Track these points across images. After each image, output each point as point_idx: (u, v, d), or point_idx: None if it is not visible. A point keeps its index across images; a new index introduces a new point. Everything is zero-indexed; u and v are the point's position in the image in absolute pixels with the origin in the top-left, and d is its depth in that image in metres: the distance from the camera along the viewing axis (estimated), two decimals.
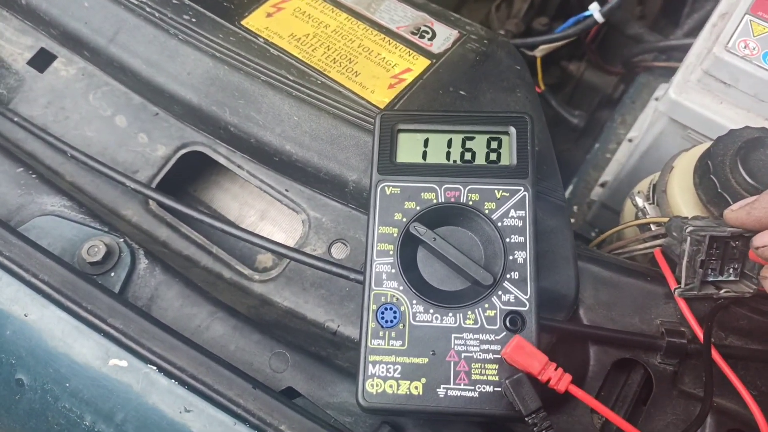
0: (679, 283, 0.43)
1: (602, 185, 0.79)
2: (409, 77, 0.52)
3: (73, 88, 0.58)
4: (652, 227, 0.50)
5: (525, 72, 0.55)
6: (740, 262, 0.42)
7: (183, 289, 0.46)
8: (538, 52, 0.82)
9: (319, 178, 0.50)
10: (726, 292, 0.42)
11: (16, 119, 0.54)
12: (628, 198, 0.56)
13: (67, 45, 0.58)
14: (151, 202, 0.53)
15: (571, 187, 0.83)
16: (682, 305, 0.42)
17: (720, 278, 0.42)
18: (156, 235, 0.52)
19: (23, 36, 0.60)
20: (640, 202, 0.52)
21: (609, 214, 0.76)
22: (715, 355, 0.40)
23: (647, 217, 0.51)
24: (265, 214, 0.59)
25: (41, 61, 0.59)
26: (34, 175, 0.50)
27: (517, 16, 1.04)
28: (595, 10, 0.73)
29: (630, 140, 0.80)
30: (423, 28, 0.56)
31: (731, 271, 0.42)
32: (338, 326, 0.49)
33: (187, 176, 0.59)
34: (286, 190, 0.53)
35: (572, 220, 0.80)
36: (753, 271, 0.42)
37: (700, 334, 0.41)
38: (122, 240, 0.46)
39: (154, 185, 0.54)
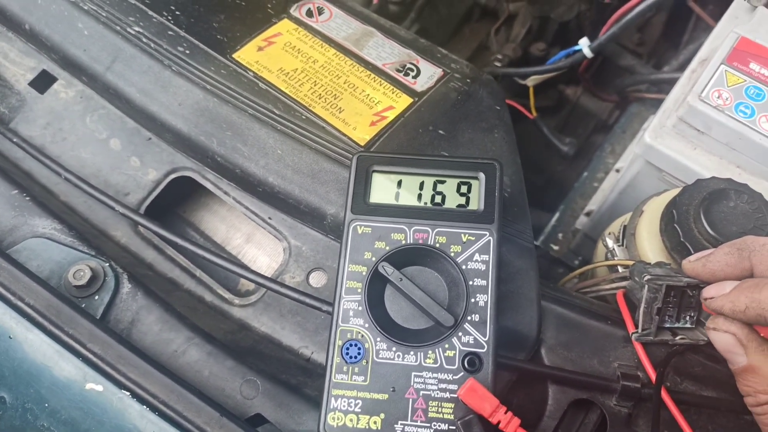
0: (636, 327, 0.44)
1: (587, 214, 0.80)
2: (391, 115, 0.54)
3: (72, 110, 0.60)
4: (620, 269, 0.51)
5: (504, 112, 0.56)
6: (696, 311, 0.44)
7: (163, 314, 0.48)
8: (530, 82, 0.84)
9: (300, 210, 0.52)
10: (681, 338, 0.44)
11: (15, 140, 0.57)
12: (599, 238, 0.57)
13: (68, 68, 0.60)
14: (139, 226, 0.56)
15: (557, 214, 0.84)
16: (639, 349, 0.44)
17: (676, 325, 0.44)
18: (142, 257, 0.55)
19: (26, 57, 0.62)
20: (609, 243, 0.54)
21: (592, 244, 0.77)
22: (667, 399, 0.42)
23: (615, 258, 0.53)
24: (251, 237, 0.61)
25: (42, 82, 0.61)
26: (27, 198, 0.52)
27: (515, 40, 1.06)
28: (584, 45, 0.75)
29: (617, 170, 0.81)
30: (408, 65, 0.58)
31: (687, 318, 0.44)
32: (312, 353, 0.51)
33: (177, 198, 0.61)
34: (269, 218, 0.55)
35: (557, 247, 0.82)
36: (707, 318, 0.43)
37: (653, 376, 0.42)
38: (108, 264, 0.49)
39: (143, 208, 0.56)
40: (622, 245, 0.53)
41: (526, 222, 0.50)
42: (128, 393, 0.40)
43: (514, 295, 0.47)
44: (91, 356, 0.41)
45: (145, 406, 0.40)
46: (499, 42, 1.09)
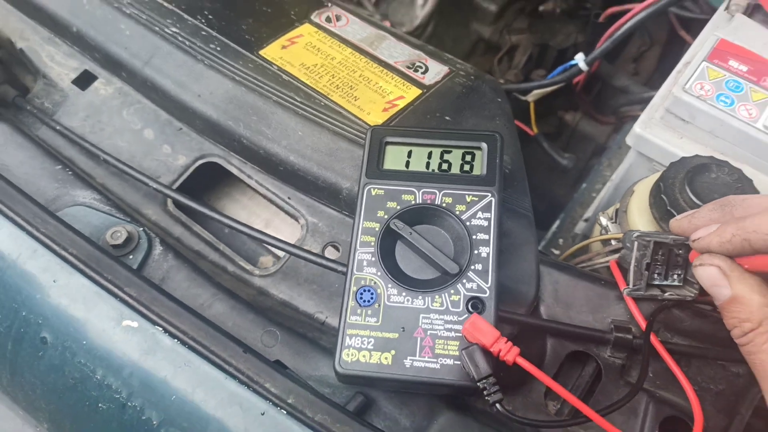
0: (628, 284, 0.48)
1: (586, 220, 0.84)
2: (402, 103, 0.59)
3: (110, 105, 0.66)
4: (613, 242, 0.55)
5: (505, 104, 0.62)
6: (683, 269, 0.47)
7: (190, 273, 0.52)
8: (531, 97, 0.90)
9: (318, 186, 0.57)
10: (670, 294, 0.47)
11: (58, 127, 0.62)
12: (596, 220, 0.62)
13: (108, 67, 0.67)
14: (168, 203, 0.60)
15: (558, 222, 0.88)
16: (630, 303, 0.47)
17: (665, 282, 0.48)
18: (171, 231, 0.59)
19: (70, 59, 0.69)
20: (603, 221, 0.58)
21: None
22: (657, 345, 0.45)
23: (609, 233, 0.57)
24: (269, 222, 0.66)
25: (84, 80, 0.67)
26: (70, 173, 0.57)
27: (516, 67, 1.13)
28: (580, 59, 0.81)
29: (613, 180, 0.86)
30: (417, 63, 0.63)
31: (675, 276, 0.48)
32: (326, 317, 0.54)
33: (203, 185, 0.66)
34: (289, 198, 0.60)
35: (557, 252, 0.85)
36: (694, 278, 0.47)
37: (644, 326, 0.46)
38: (141, 229, 0.53)
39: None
40: (615, 222, 0.57)
41: (525, 195, 0.54)
42: (161, 329, 0.44)
43: (514, 257, 0.50)
44: (127, 298, 0.45)
45: (176, 340, 0.43)
46: (501, 70, 1.16)
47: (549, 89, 0.86)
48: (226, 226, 0.55)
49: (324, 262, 0.51)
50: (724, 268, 0.39)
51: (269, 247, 0.63)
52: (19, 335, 0.47)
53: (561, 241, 0.87)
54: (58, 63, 0.69)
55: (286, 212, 0.60)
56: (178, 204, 0.60)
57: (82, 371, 0.45)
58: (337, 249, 0.57)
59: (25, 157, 0.58)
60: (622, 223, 0.57)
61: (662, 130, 0.61)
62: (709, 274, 0.40)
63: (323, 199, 0.58)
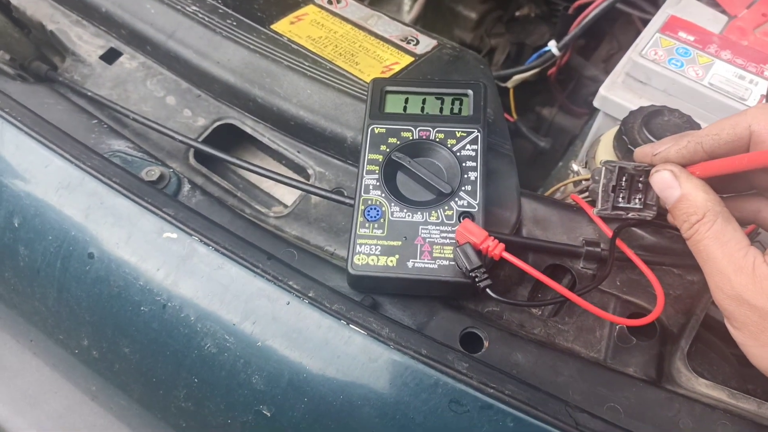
0: (596, 207, 0.56)
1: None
2: (397, 68, 0.68)
3: (134, 76, 0.73)
4: (583, 182, 0.64)
5: (487, 71, 0.70)
6: (644, 194, 0.55)
7: (216, 206, 0.59)
8: (510, 83, 0.99)
9: (325, 137, 0.64)
10: (632, 215, 0.55)
11: (89, 93, 0.70)
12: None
13: (132, 44, 0.74)
14: (190, 157, 0.67)
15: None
16: (598, 221, 0.55)
17: (628, 205, 0.56)
18: (194, 181, 0.66)
19: (97, 38, 0.76)
20: (575, 167, 0.66)
21: None
22: (623, 246, 0.52)
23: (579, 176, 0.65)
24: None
25: (110, 56, 0.75)
26: (105, 126, 0.64)
27: (496, 65, 1.23)
28: (552, 45, 0.91)
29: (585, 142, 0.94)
30: (409, 37, 0.72)
31: (636, 200, 0.55)
32: (335, 249, 0.61)
33: (220, 146, 0.72)
34: (298, 152, 0.67)
35: None
36: (653, 200, 0.55)
37: (606, 231, 0.53)
38: (171, 170, 0.60)
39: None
40: (586, 168, 0.66)
41: (507, 139, 0.62)
42: (197, 239, 0.51)
43: (498, 188, 0.58)
44: (165, 216, 0.52)
45: (210, 248, 0.50)
46: None
47: (526, 74, 0.95)
48: (245, 169, 0.62)
49: (334, 196, 0.59)
50: (675, 171, 0.46)
51: (279, 199, 0.71)
52: (68, 253, 0.53)
53: None
54: (86, 42, 0.77)
55: (296, 164, 0.67)
56: (199, 157, 0.67)
57: (126, 279, 0.51)
58: (343, 194, 0.65)
59: (64, 114, 0.65)
60: (590, 166, 0.65)
61: (624, 91, 0.70)
62: (663, 177, 0.47)
63: (329, 150, 0.66)
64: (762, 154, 0.42)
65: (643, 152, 0.53)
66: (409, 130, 0.56)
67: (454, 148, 0.55)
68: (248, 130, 0.69)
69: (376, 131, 0.57)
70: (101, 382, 0.64)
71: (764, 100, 0.64)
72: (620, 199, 0.55)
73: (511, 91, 1.00)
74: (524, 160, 1.20)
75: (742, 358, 0.56)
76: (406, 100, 0.59)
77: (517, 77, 0.96)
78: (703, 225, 0.44)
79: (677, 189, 0.46)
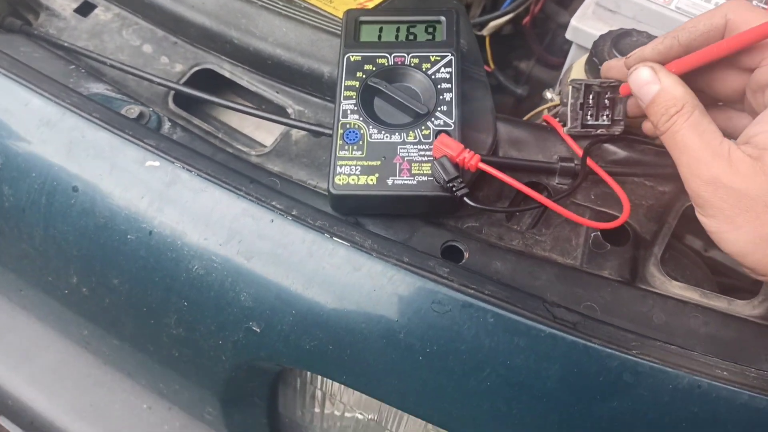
0: (566, 125, 0.57)
1: None
2: (371, 5, 0.68)
3: (110, 27, 0.74)
4: (557, 108, 0.65)
5: (461, 7, 0.71)
6: (611, 110, 0.57)
7: (198, 142, 0.60)
8: (486, 31, 1.00)
9: (302, 74, 0.65)
10: (601, 131, 0.57)
11: (66, 44, 0.70)
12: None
13: None
14: (169, 101, 0.68)
15: None
16: (568, 139, 0.57)
17: (596, 123, 0.57)
18: (174, 120, 0.67)
19: None
20: (548, 95, 0.68)
21: None
22: (594, 165, 0.54)
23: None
24: (259, 125, 0.74)
25: (85, 9, 0.75)
26: (83, 71, 0.65)
27: (473, 18, 1.24)
28: None
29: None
30: None
31: (604, 117, 0.57)
32: (317, 182, 0.63)
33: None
34: (277, 92, 0.68)
35: None
36: (620, 115, 0.56)
37: (580, 152, 0.55)
38: (151, 109, 0.61)
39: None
40: (558, 93, 0.67)
41: (480, 67, 0.63)
42: (180, 165, 0.52)
43: (474, 112, 0.59)
44: (147, 146, 0.53)
45: (193, 173, 0.51)
46: None
47: (502, 20, 0.96)
48: (225, 107, 0.63)
49: (314, 127, 0.60)
50: (655, 67, 0.47)
51: (261, 142, 0.72)
52: (52, 188, 0.54)
53: None
54: None
55: (276, 105, 0.68)
56: (178, 102, 0.68)
57: (111, 209, 0.52)
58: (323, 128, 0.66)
59: (41, 61, 0.65)
60: (563, 93, 0.66)
61: (594, 21, 0.71)
62: (641, 74, 0.47)
63: (307, 87, 0.66)
64: (736, 37, 0.44)
65: (609, 66, 0.55)
66: (384, 57, 0.57)
67: (429, 72, 0.56)
68: (226, 74, 0.70)
69: (352, 59, 0.58)
70: (92, 327, 0.65)
71: None
72: (588, 117, 0.57)
73: (487, 39, 1.01)
74: (504, 111, 1.21)
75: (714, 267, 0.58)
76: (381, 29, 0.60)
77: (492, 24, 0.97)
78: (681, 116, 0.44)
79: (656, 84, 0.46)
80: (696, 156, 0.43)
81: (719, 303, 0.52)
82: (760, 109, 0.44)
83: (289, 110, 0.67)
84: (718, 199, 0.42)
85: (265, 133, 0.74)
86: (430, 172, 0.52)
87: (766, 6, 0.67)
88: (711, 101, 0.51)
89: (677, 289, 0.52)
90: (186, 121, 0.67)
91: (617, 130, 0.57)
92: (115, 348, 0.65)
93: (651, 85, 0.47)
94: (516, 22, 1.06)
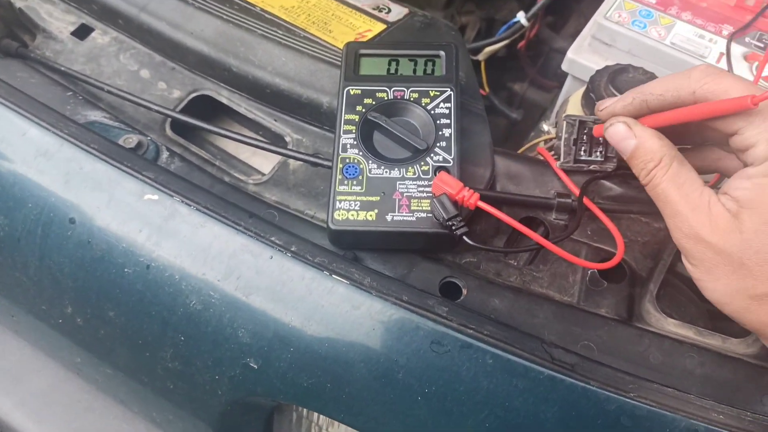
0: (559, 159, 0.58)
1: None
2: (370, 35, 0.69)
3: (107, 51, 0.73)
4: (553, 141, 0.66)
5: (459, 36, 0.72)
6: (604, 147, 0.58)
7: (196, 172, 0.60)
8: (482, 56, 1.01)
9: (301, 103, 0.65)
10: (594, 167, 0.57)
11: (62, 68, 0.69)
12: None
13: (104, 19, 0.74)
14: (167, 128, 0.68)
15: None
16: (561, 174, 0.57)
17: (590, 158, 0.58)
18: (172, 149, 0.66)
19: (68, 15, 0.76)
20: (545, 127, 0.68)
21: None
22: (589, 204, 0.55)
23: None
24: (256, 151, 0.74)
25: (82, 32, 0.75)
26: (80, 98, 0.64)
27: (467, 41, 1.25)
28: (521, 16, 0.93)
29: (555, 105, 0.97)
30: (381, 5, 0.73)
31: (598, 153, 0.58)
32: (315, 213, 0.63)
33: (196, 118, 0.73)
34: (275, 120, 0.68)
35: None
36: (613, 152, 0.57)
37: (575, 189, 0.56)
38: (149, 138, 0.61)
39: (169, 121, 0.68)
40: (555, 128, 0.68)
41: (478, 98, 0.64)
42: (179, 199, 0.51)
43: (472, 146, 0.60)
44: (146, 179, 0.52)
45: (192, 207, 0.51)
46: None
47: (497, 46, 0.97)
48: (223, 136, 0.63)
49: (312, 158, 0.60)
50: (629, 122, 0.48)
51: (258, 168, 0.72)
52: (49, 219, 0.54)
53: None
54: (57, 18, 0.76)
55: (274, 133, 0.68)
56: (176, 128, 0.68)
57: (108, 242, 0.52)
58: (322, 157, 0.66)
59: (38, 87, 0.65)
60: (559, 126, 0.67)
61: (590, 54, 0.72)
62: (618, 130, 0.48)
63: (306, 117, 0.67)
64: (704, 105, 0.44)
65: (603, 104, 0.55)
66: (384, 91, 0.58)
67: (429, 107, 0.57)
68: (224, 101, 0.70)
69: (352, 92, 0.58)
70: (86, 355, 0.64)
71: (723, 58, 0.67)
72: (582, 152, 0.58)
73: (483, 64, 1.02)
74: (498, 134, 1.22)
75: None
76: (380, 62, 0.60)
77: (487, 50, 0.98)
78: (660, 170, 0.46)
79: (633, 139, 0.48)
80: (676, 209, 0.44)
81: (714, 341, 0.52)
82: (745, 163, 0.44)
83: (287, 139, 0.67)
84: (698, 252, 0.43)
85: (262, 158, 0.74)
86: (429, 208, 0.52)
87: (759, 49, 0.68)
88: (698, 140, 0.51)
89: (673, 326, 0.53)
90: (183, 148, 0.67)
91: (610, 166, 0.57)
92: (109, 376, 0.64)
93: (628, 140, 0.48)
94: (511, 45, 1.07)
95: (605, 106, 0.52)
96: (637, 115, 0.50)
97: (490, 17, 1.23)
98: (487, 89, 1.09)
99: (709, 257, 0.43)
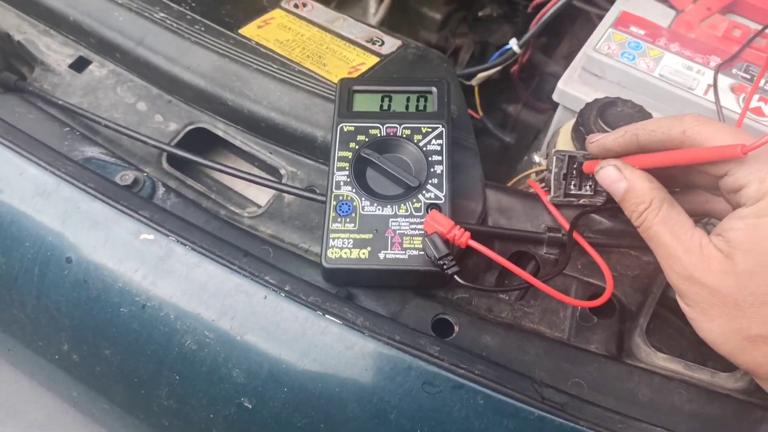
0: (549, 193, 0.59)
1: None
2: (364, 68, 0.70)
3: (104, 84, 0.74)
4: (544, 173, 0.66)
5: (451, 68, 0.73)
6: (594, 181, 0.59)
7: (192, 208, 0.60)
8: (475, 81, 1.02)
9: (296, 137, 0.66)
10: (583, 201, 0.58)
11: (60, 102, 0.70)
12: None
13: (101, 52, 0.75)
14: (163, 161, 0.69)
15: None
16: (552, 208, 0.58)
17: (579, 192, 0.58)
18: (168, 184, 0.67)
19: (66, 47, 0.77)
20: (536, 158, 0.69)
21: None
22: (579, 239, 0.55)
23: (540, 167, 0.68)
24: (251, 183, 0.75)
25: (79, 65, 0.76)
26: (77, 133, 0.65)
27: (461, 64, 1.26)
28: (513, 43, 0.94)
29: (546, 134, 0.98)
30: (374, 38, 0.74)
31: (588, 187, 0.58)
32: (309, 246, 0.63)
33: (192, 151, 0.74)
34: (270, 153, 0.69)
35: None
36: (602, 187, 0.58)
37: (565, 224, 0.56)
38: (145, 174, 0.62)
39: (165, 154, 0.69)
40: (546, 159, 0.69)
41: (470, 133, 0.65)
42: (174, 239, 0.52)
43: (464, 180, 0.61)
44: (142, 218, 0.53)
45: (187, 247, 0.52)
46: None
47: (490, 72, 0.98)
48: (218, 171, 0.63)
49: (306, 193, 0.61)
50: (619, 165, 0.49)
51: (253, 200, 0.72)
52: (46, 258, 0.54)
53: None
54: (55, 51, 0.77)
55: (268, 165, 0.69)
56: (172, 161, 0.68)
57: (104, 282, 0.53)
58: (316, 191, 0.67)
59: (35, 122, 0.66)
60: (549, 158, 0.68)
61: (580, 85, 0.73)
62: (608, 173, 0.50)
63: (301, 150, 0.68)
64: (694, 151, 0.45)
65: (592, 140, 0.56)
66: (377, 128, 0.59)
67: (421, 144, 0.58)
68: (220, 134, 0.71)
69: (345, 129, 0.59)
70: (82, 388, 0.65)
71: (710, 89, 0.68)
72: (572, 187, 0.58)
73: (476, 89, 1.03)
74: (491, 156, 1.23)
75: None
76: (373, 99, 0.61)
77: (481, 75, 0.99)
78: (650, 212, 0.47)
79: (623, 182, 0.49)
80: (669, 251, 0.45)
81: (703, 375, 0.53)
82: (735, 205, 0.45)
83: (282, 171, 0.68)
84: (693, 293, 0.44)
85: (258, 190, 0.74)
86: (421, 246, 0.53)
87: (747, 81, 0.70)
88: (687, 183, 0.52)
89: (662, 361, 0.54)
90: (179, 182, 0.68)
91: (599, 200, 0.58)
92: (105, 410, 0.65)
93: (619, 183, 0.49)
94: (504, 68, 1.08)
95: (596, 139, 0.52)
96: (627, 150, 0.50)
97: (484, 40, 1.24)
98: (480, 113, 1.10)
99: (704, 298, 0.44)
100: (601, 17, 1.12)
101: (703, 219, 0.61)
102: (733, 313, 0.42)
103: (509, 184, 0.73)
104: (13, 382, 0.76)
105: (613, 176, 0.50)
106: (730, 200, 0.46)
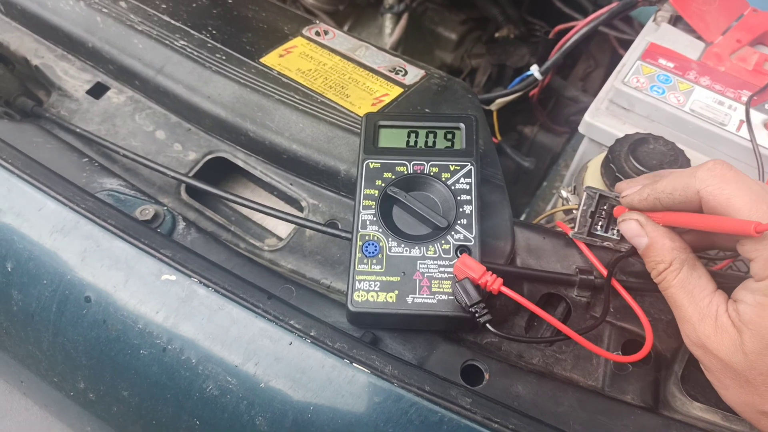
0: (573, 229, 0.57)
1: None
2: (387, 99, 0.68)
3: (123, 111, 0.73)
4: (573, 211, 0.65)
5: (475, 99, 0.72)
6: None
7: (212, 245, 0.59)
8: (494, 106, 1.00)
9: (318, 170, 0.65)
10: (607, 244, 0.56)
11: (78, 130, 0.69)
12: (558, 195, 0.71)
13: (120, 78, 0.74)
14: (182, 192, 0.67)
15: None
16: (587, 251, 0.56)
17: (605, 234, 0.56)
18: (186, 216, 0.66)
19: (83, 73, 0.76)
20: (564, 194, 0.68)
21: None
22: (616, 284, 0.54)
23: (569, 204, 0.66)
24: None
25: (97, 91, 0.75)
26: (96, 164, 0.64)
27: (478, 86, 1.25)
28: (535, 70, 0.93)
29: (570, 166, 0.96)
30: (397, 67, 0.73)
31: (615, 232, 0.57)
32: (331, 282, 0.62)
33: (211, 180, 0.73)
34: (291, 184, 0.68)
35: None
36: None
37: (601, 269, 0.55)
38: (165, 208, 0.60)
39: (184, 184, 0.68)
40: (575, 194, 0.67)
41: (498, 170, 0.63)
42: (196, 280, 0.51)
43: (492, 218, 0.59)
44: (163, 257, 0.52)
45: (210, 289, 0.50)
46: None
47: (510, 98, 0.96)
48: (239, 204, 0.62)
49: (329, 230, 0.59)
50: (641, 221, 0.48)
51: (272, 230, 0.71)
52: (64, 297, 0.53)
53: None
54: (72, 77, 0.76)
55: (289, 197, 0.68)
56: (190, 192, 0.67)
57: (124, 322, 0.51)
58: (337, 226, 0.65)
59: (53, 152, 0.64)
60: (579, 192, 0.66)
61: (608, 117, 0.72)
62: (630, 227, 0.49)
63: (322, 182, 0.66)
64: (710, 219, 0.43)
65: (621, 188, 0.54)
66: (404, 165, 0.57)
67: (449, 182, 0.56)
68: (240, 164, 0.69)
69: (371, 166, 0.57)
70: (98, 423, 0.63)
71: (743, 125, 0.66)
72: (598, 227, 0.56)
73: (495, 114, 1.02)
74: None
75: None
76: (399, 134, 0.60)
77: (500, 101, 0.98)
78: (670, 273, 0.46)
79: (644, 237, 0.48)
80: (685, 316, 0.44)
81: (741, 427, 0.51)
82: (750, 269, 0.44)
83: (303, 203, 0.67)
84: (707, 360, 0.44)
85: (277, 220, 0.73)
86: (450, 290, 0.51)
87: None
88: (708, 242, 0.50)
89: (699, 411, 0.52)
90: (198, 213, 0.67)
91: (625, 246, 0.56)
92: None
93: (640, 237, 0.48)
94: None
95: (626, 194, 0.51)
96: (654, 209, 0.49)
97: (501, 63, 1.23)
98: (498, 137, 1.08)
99: (717, 367, 0.43)
100: (618, 39, 1.12)
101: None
102: (746, 387, 0.42)
103: (536, 221, 0.71)
104: (24, 410, 0.75)
105: (634, 230, 0.49)
106: (747, 264, 0.45)
